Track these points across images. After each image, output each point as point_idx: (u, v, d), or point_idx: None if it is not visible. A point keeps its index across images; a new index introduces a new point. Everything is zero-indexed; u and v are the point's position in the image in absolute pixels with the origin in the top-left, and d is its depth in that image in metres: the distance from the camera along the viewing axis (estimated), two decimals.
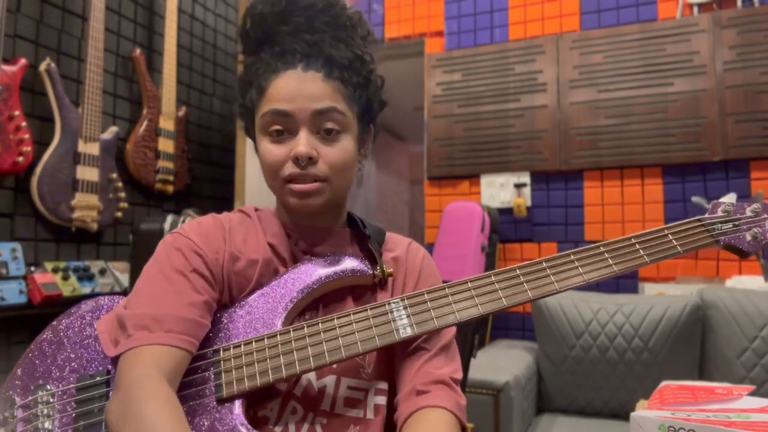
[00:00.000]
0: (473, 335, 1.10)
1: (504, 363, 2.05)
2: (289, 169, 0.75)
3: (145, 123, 2.22)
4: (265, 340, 0.71)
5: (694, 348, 1.98)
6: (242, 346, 0.71)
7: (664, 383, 0.94)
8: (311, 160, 0.74)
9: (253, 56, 0.81)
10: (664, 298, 2.07)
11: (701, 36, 2.37)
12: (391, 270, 0.81)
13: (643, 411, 0.77)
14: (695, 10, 2.43)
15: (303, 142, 0.73)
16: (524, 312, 2.62)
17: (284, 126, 0.75)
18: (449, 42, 2.86)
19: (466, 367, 1.10)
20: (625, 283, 2.47)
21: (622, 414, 2.01)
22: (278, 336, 0.71)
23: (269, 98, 0.75)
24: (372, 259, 0.82)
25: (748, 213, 0.77)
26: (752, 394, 0.84)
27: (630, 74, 2.47)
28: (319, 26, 0.77)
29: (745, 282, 2.12)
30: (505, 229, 2.67)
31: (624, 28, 2.50)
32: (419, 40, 2.91)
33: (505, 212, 2.66)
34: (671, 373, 1.93)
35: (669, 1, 2.49)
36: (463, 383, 1.09)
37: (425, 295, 0.73)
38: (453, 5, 2.86)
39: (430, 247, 2.69)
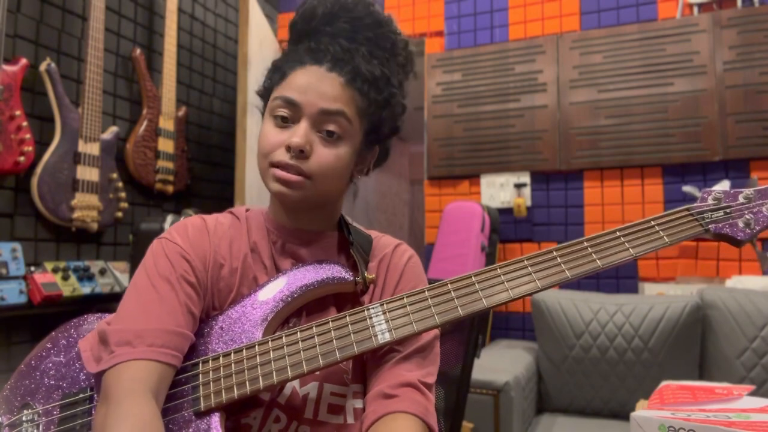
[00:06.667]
0: (476, 335, 1.10)
1: (504, 363, 2.05)
2: (280, 155, 0.74)
3: (145, 123, 2.22)
4: (244, 351, 0.71)
5: (694, 348, 1.98)
6: (221, 358, 0.71)
7: (664, 383, 0.95)
8: (303, 154, 0.74)
9: (292, 46, 0.82)
10: (664, 298, 2.07)
11: (701, 36, 2.37)
12: (374, 276, 0.79)
13: (643, 411, 0.77)
14: (695, 10, 2.43)
15: (300, 134, 0.74)
16: (524, 312, 2.62)
17: (290, 115, 0.76)
18: (449, 42, 2.86)
19: (470, 368, 1.10)
20: (625, 283, 2.47)
21: (622, 414, 2.01)
22: (257, 347, 0.71)
23: (285, 85, 0.77)
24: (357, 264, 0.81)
25: (741, 200, 0.73)
26: (752, 394, 0.84)
27: (630, 74, 2.47)
28: (359, 38, 0.78)
29: (745, 282, 2.12)
30: (505, 229, 2.67)
31: (624, 28, 2.50)
32: (419, 40, 2.90)
33: (505, 212, 2.66)
34: (671, 373, 1.93)
35: (669, 1, 2.49)
36: (466, 383, 1.09)
37: (404, 299, 0.71)
38: (453, 5, 2.86)
39: (430, 247, 2.69)
